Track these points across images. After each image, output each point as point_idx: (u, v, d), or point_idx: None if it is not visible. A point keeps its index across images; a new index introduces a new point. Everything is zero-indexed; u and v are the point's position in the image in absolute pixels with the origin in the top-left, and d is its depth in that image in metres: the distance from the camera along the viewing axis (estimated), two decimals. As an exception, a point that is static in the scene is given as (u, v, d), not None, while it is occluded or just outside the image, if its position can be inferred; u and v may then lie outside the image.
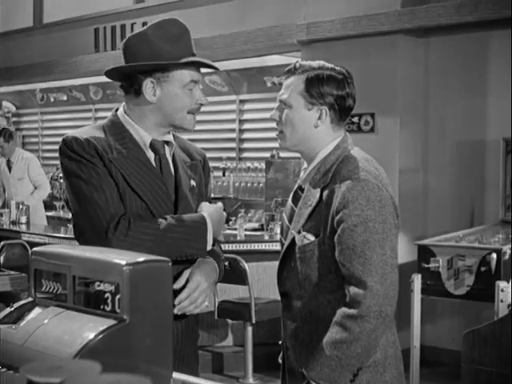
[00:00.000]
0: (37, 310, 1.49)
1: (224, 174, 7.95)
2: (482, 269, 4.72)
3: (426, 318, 5.35)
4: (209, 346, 5.90)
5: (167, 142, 2.32)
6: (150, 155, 2.27)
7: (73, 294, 1.44)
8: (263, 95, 7.82)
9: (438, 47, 6.09)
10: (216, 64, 2.31)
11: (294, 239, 2.21)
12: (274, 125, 2.31)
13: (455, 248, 4.92)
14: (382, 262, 2.06)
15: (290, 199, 2.33)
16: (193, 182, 2.34)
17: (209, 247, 2.23)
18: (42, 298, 1.50)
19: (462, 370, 3.98)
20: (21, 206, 7.39)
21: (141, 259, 1.39)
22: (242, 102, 8.19)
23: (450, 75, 6.05)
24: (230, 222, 6.78)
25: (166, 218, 2.18)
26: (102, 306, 1.38)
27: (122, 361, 1.32)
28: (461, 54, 5.99)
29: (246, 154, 8.23)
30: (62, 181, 8.45)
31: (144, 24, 7.84)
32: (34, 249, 1.53)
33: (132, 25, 8.08)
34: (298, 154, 2.37)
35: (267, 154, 7.50)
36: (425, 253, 4.99)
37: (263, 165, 7.50)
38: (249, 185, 7.85)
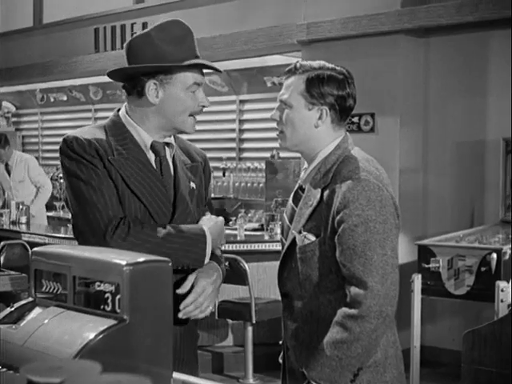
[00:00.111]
0: (37, 310, 1.49)
1: (224, 174, 7.95)
2: (482, 269, 4.72)
3: (426, 318, 5.35)
4: (209, 345, 5.90)
5: (168, 144, 2.31)
6: (151, 156, 2.27)
7: (73, 294, 1.44)
8: (263, 95, 7.82)
9: (439, 47, 6.09)
10: (216, 64, 2.31)
11: (294, 239, 2.21)
12: (274, 125, 2.31)
13: (455, 248, 4.92)
14: (383, 262, 2.06)
15: (290, 199, 2.33)
16: (192, 185, 2.33)
17: (206, 260, 2.22)
18: (42, 298, 1.50)
19: (462, 370, 3.98)
20: (21, 206, 7.40)
21: (141, 259, 1.39)
22: (242, 102, 8.19)
23: (450, 75, 6.05)
24: (230, 222, 6.78)
25: (165, 227, 2.17)
26: (102, 306, 1.38)
27: (122, 361, 1.32)
28: (461, 54, 5.99)
29: (246, 154, 8.23)
30: (62, 181, 8.46)
31: (144, 24, 7.85)
32: (35, 249, 1.53)
33: (132, 25, 8.08)
34: (298, 154, 2.37)
35: (267, 154, 7.50)
36: (425, 253, 4.99)
37: (263, 165, 7.50)
38: (249, 185, 7.85)
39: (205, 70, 2.32)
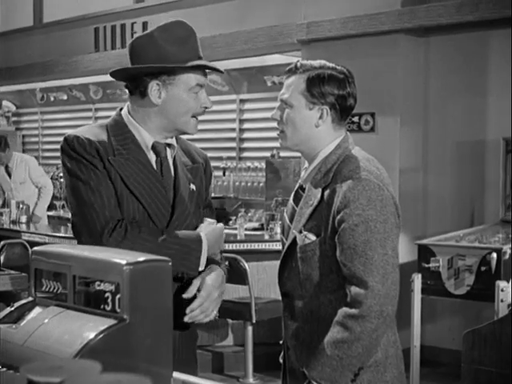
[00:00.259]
0: (37, 310, 1.49)
1: (224, 174, 7.95)
2: (482, 268, 4.72)
3: (426, 318, 5.35)
4: (209, 345, 5.89)
5: (169, 145, 2.31)
6: (152, 157, 2.26)
7: (73, 294, 1.44)
8: (263, 95, 7.82)
9: (439, 47, 6.09)
10: (216, 63, 2.30)
11: (295, 239, 2.21)
12: (274, 124, 2.31)
13: (455, 248, 4.92)
14: (383, 262, 2.06)
15: (291, 199, 2.32)
16: (192, 186, 2.32)
17: (201, 267, 2.21)
18: (43, 298, 1.50)
19: (462, 369, 3.98)
20: (21, 206, 7.40)
21: (141, 259, 1.39)
22: (243, 101, 8.19)
23: (450, 75, 6.05)
24: (230, 222, 6.78)
25: (163, 232, 2.17)
26: (102, 306, 1.38)
27: (122, 360, 1.32)
28: (461, 54, 5.99)
29: (246, 154, 8.23)
30: (62, 180, 8.47)
31: (144, 23, 7.85)
32: (35, 248, 1.53)
33: (132, 24, 8.08)
34: (298, 154, 2.37)
35: (267, 154, 7.50)
36: (425, 252, 4.99)
37: (263, 164, 7.50)
38: (249, 184, 7.85)
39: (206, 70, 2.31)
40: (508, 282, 4.56)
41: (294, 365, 2.25)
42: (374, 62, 6.00)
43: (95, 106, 9.82)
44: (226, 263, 2.42)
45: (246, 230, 6.38)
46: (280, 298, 2.33)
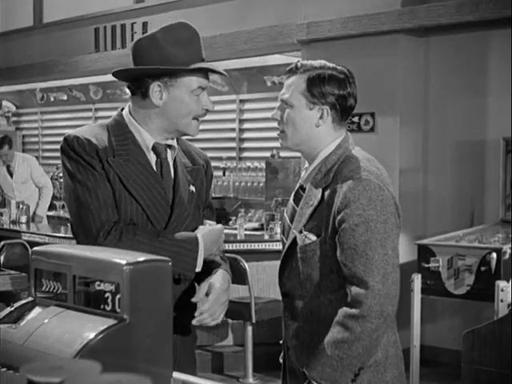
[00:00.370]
0: (37, 310, 1.48)
1: (224, 174, 7.95)
2: (482, 268, 4.72)
3: (426, 318, 5.35)
4: (209, 345, 5.89)
5: (170, 146, 2.30)
6: (152, 158, 2.26)
7: (73, 294, 1.44)
8: (263, 95, 7.82)
9: (439, 47, 6.09)
10: (216, 63, 2.30)
11: (295, 239, 2.21)
12: (274, 124, 2.30)
13: (455, 248, 4.92)
14: (384, 262, 2.06)
15: (291, 199, 2.32)
16: (192, 188, 2.32)
17: (198, 269, 2.20)
18: (43, 298, 1.50)
19: (462, 369, 3.98)
20: (21, 206, 7.40)
21: (141, 259, 1.39)
22: (242, 101, 8.19)
23: (450, 75, 6.05)
24: (230, 222, 6.78)
25: (159, 234, 2.17)
26: (102, 306, 1.38)
27: (122, 361, 1.32)
28: (461, 54, 5.99)
29: (246, 154, 8.22)
30: (62, 180, 8.47)
31: (144, 24, 7.85)
32: (35, 248, 1.53)
33: (132, 24, 8.07)
34: (298, 154, 2.37)
35: (267, 154, 7.50)
36: (425, 252, 4.99)
37: (263, 164, 7.50)
38: (249, 184, 7.85)
39: None
40: (508, 281, 4.56)
41: (294, 365, 2.25)
42: (374, 62, 6.00)
43: (95, 106, 9.82)
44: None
45: (245, 230, 6.38)
46: (280, 297, 2.33)
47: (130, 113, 2.28)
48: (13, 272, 5.04)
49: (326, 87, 2.17)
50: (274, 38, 6.66)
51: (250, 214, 7.46)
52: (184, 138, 2.45)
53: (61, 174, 8.18)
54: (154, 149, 2.26)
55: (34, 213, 7.96)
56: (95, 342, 1.30)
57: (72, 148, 2.18)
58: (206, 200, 2.43)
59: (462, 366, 3.98)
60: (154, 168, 2.25)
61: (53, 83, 9.68)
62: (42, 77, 9.19)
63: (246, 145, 8.24)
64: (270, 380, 5.41)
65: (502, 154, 5.57)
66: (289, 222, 2.29)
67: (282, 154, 7.27)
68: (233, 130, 8.25)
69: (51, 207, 8.78)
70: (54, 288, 1.47)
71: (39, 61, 9.02)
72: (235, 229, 6.31)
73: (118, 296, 1.35)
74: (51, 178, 9.08)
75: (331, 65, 2.22)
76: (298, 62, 2.25)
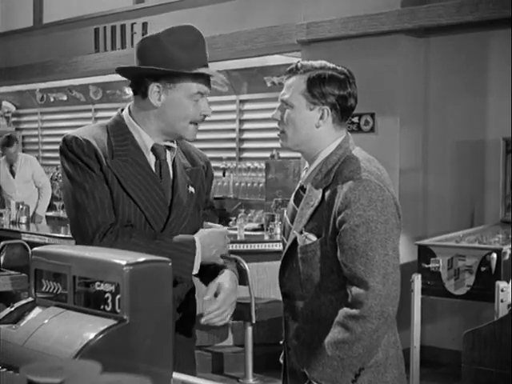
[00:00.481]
0: (37, 310, 1.48)
1: (224, 174, 7.95)
2: (482, 269, 4.72)
3: (426, 318, 5.35)
4: (209, 346, 5.89)
5: (169, 147, 2.30)
6: (151, 159, 2.25)
7: (73, 294, 1.43)
8: (263, 95, 7.82)
9: (439, 47, 6.09)
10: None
11: (295, 239, 2.20)
12: (274, 125, 2.30)
13: (455, 248, 4.92)
14: (384, 263, 2.06)
15: (291, 199, 2.32)
16: (191, 189, 2.31)
17: (195, 271, 2.19)
18: (43, 298, 1.50)
19: (462, 370, 3.98)
20: (21, 206, 7.40)
21: (141, 259, 1.39)
22: (242, 101, 8.19)
23: (450, 75, 6.05)
24: (230, 223, 6.78)
25: (155, 237, 2.16)
26: (102, 306, 1.38)
27: (122, 361, 1.32)
28: (461, 54, 5.99)
29: (246, 154, 8.22)
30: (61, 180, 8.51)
31: (144, 24, 7.85)
32: (35, 249, 1.53)
33: (132, 25, 8.07)
34: (298, 154, 2.37)
35: (267, 154, 7.50)
36: (425, 253, 4.99)
37: (263, 165, 7.50)
38: (249, 185, 7.85)
39: None
40: (508, 282, 4.56)
41: (294, 365, 2.25)
42: (374, 62, 6.00)
43: (95, 106, 9.82)
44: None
45: (245, 230, 6.38)
46: (280, 298, 2.33)
47: (130, 113, 2.28)
48: (13, 272, 5.03)
49: (326, 87, 2.17)
50: (274, 39, 6.66)
51: (249, 215, 7.46)
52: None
53: (60, 175, 8.20)
54: (153, 150, 2.25)
55: (34, 212, 7.99)
56: (95, 343, 1.30)
57: (70, 149, 2.17)
58: (207, 201, 2.43)
59: (462, 366, 3.98)
60: (153, 169, 2.25)
61: (53, 84, 9.68)
62: (41, 77, 9.19)
63: (245, 145, 8.24)
64: (270, 380, 5.41)
65: (502, 154, 5.57)
66: (289, 222, 2.28)
67: (282, 154, 7.27)
68: (233, 130, 8.25)
69: (51, 207, 8.79)
70: (54, 288, 1.47)
71: (39, 61, 9.02)
72: (235, 229, 6.31)
73: (118, 296, 1.35)
74: (51, 179, 9.10)
75: (331, 65, 2.22)
76: (299, 62, 2.24)
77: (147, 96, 2.20)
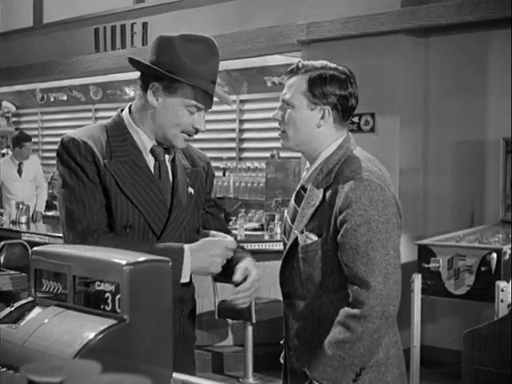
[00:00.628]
0: (37, 310, 1.48)
1: (224, 174, 7.95)
2: (482, 269, 4.72)
3: (426, 318, 5.35)
4: (209, 345, 5.89)
5: (168, 149, 2.29)
6: (150, 160, 2.24)
7: (73, 294, 1.43)
8: (263, 95, 7.82)
9: (439, 47, 6.09)
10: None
11: (296, 239, 2.21)
12: (274, 125, 2.30)
13: (455, 248, 4.92)
14: (385, 262, 2.06)
15: (292, 199, 2.32)
16: (191, 190, 2.30)
17: (184, 280, 2.14)
18: (43, 298, 1.50)
19: (462, 370, 3.98)
20: (21, 206, 7.40)
21: (141, 259, 1.39)
22: (243, 101, 8.19)
23: (450, 75, 6.05)
24: (231, 222, 6.78)
25: (145, 243, 2.14)
26: (102, 306, 1.37)
27: (122, 361, 1.32)
28: (461, 54, 5.99)
29: (246, 154, 8.23)
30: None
31: (144, 24, 7.85)
32: (35, 248, 1.53)
33: (132, 25, 8.07)
34: (298, 154, 2.37)
35: (267, 154, 7.50)
36: (425, 253, 4.99)
37: (263, 165, 7.50)
38: (249, 185, 7.85)
39: None
40: (508, 282, 4.56)
41: (295, 365, 2.25)
42: (374, 62, 6.00)
43: (95, 106, 9.82)
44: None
45: (246, 230, 6.39)
46: (281, 298, 2.33)
47: (131, 113, 2.27)
48: (13, 272, 5.04)
49: (327, 87, 2.17)
50: (274, 39, 6.66)
51: (250, 215, 7.46)
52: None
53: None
54: (152, 151, 2.25)
55: (35, 210, 8.03)
56: (95, 342, 1.30)
57: (67, 150, 2.16)
58: (209, 200, 2.43)
59: (462, 366, 3.98)
60: (152, 170, 2.24)
61: (53, 83, 9.68)
62: (41, 77, 9.19)
63: (246, 145, 8.24)
64: (270, 380, 5.41)
65: (502, 154, 5.57)
66: (290, 222, 2.28)
67: (282, 154, 7.27)
68: (233, 130, 8.25)
69: (51, 207, 8.81)
70: (54, 288, 1.47)
71: (39, 61, 9.02)
72: (235, 229, 6.31)
73: (118, 296, 1.35)
74: (51, 179, 9.13)
75: (332, 65, 2.22)
76: (300, 62, 2.24)
77: (146, 92, 2.20)
